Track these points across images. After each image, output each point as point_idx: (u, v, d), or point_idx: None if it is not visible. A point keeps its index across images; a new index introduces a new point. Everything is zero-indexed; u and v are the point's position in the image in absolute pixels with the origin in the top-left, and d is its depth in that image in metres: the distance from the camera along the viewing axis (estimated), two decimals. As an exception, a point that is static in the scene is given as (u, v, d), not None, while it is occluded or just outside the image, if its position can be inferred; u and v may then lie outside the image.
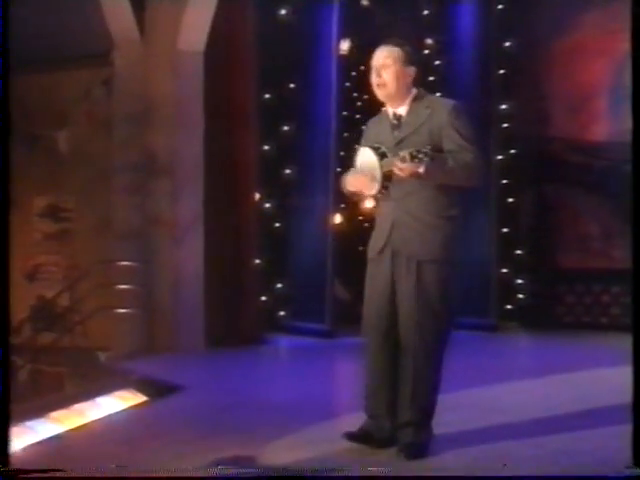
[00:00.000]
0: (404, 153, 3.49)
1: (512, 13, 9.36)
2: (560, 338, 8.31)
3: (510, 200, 9.47)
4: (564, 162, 9.27)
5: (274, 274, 8.71)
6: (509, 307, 9.33)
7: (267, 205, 8.75)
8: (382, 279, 3.77)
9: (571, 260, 9.21)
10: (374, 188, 3.73)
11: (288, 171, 8.90)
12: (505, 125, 9.40)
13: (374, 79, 3.81)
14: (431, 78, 9.84)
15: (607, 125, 8.86)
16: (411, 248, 3.72)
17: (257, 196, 8.38)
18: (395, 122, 3.82)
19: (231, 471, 3.34)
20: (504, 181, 9.38)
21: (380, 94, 3.82)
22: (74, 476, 3.35)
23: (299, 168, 8.86)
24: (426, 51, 9.86)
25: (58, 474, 3.26)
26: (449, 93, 9.46)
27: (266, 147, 8.69)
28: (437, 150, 3.66)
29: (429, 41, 9.73)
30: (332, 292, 8.39)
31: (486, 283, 8.95)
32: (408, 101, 3.81)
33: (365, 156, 3.77)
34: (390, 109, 3.84)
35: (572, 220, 9.20)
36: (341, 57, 8.72)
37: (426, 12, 9.71)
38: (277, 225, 8.84)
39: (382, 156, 3.66)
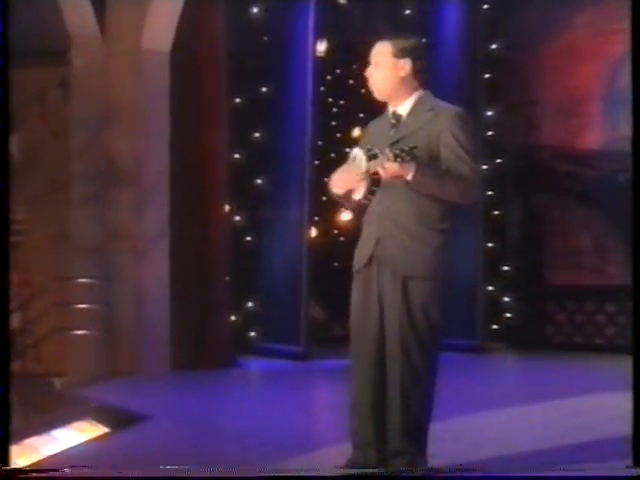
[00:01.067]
0: (388, 151, 3.48)
1: (499, 13, 9.35)
2: (551, 360, 8.27)
3: (496, 213, 9.46)
4: (553, 172, 9.25)
5: (244, 292, 8.62)
6: (495, 327, 9.30)
7: (237, 218, 8.66)
8: (368, 294, 3.74)
9: (561, 276, 9.17)
10: (360, 192, 3.68)
11: (259, 181, 8.82)
12: (490, 133, 9.38)
13: (368, 77, 3.79)
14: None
15: (600, 132, 8.85)
16: (396, 262, 3.68)
17: (227, 208, 8.31)
18: (394, 121, 3.79)
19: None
20: (489, 192, 9.35)
21: (375, 93, 3.80)
22: (74, 476, 3.43)
23: (271, 178, 8.78)
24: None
25: (58, 474, 3.37)
26: None
27: (236, 155, 8.62)
28: (433, 157, 3.62)
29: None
30: (307, 311, 8.30)
31: (471, 301, 8.92)
32: (410, 100, 3.78)
33: (354, 156, 3.73)
34: (390, 107, 3.81)
35: (562, 234, 9.17)
36: (317, 59, 8.63)
37: (408, 11, 9.65)
38: (248, 239, 8.75)
39: (372, 157, 3.59)
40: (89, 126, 7.35)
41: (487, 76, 9.36)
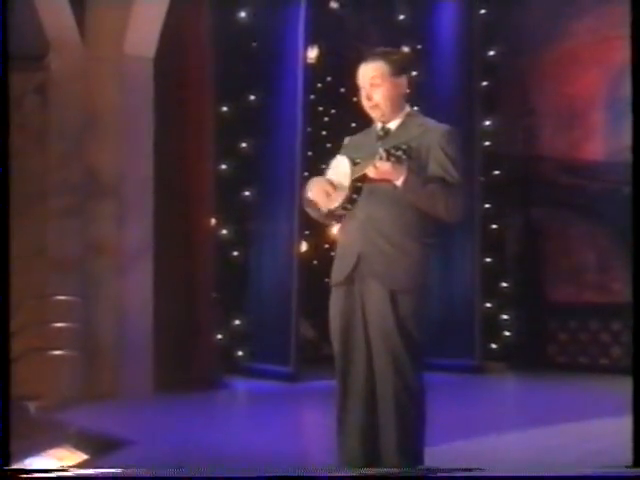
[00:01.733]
0: (382, 150, 3.46)
1: (496, 18, 9.37)
2: (553, 381, 8.21)
3: (494, 226, 9.45)
4: (554, 184, 9.23)
5: (231, 309, 8.57)
6: (494, 346, 9.27)
7: (224, 231, 8.60)
8: (352, 309, 3.71)
9: (563, 293, 9.14)
10: (339, 199, 3.65)
11: (247, 193, 8.79)
12: (488, 143, 9.38)
13: (365, 102, 3.77)
14: (406, 91, 9.82)
15: (602, 143, 8.83)
16: (383, 275, 3.67)
17: (213, 221, 8.26)
18: (382, 134, 3.78)
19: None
20: (487, 205, 9.37)
21: (375, 116, 3.79)
22: (74, 476, 3.53)
23: (259, 190, 8.75)
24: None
25: (59, 474, 3.47)
26: (426, 107, 9.55)
27: (223, 166, 8.58)
28: (421, 172, 3.61)
29: (405, 49, 9.68)
30: (297, 330, 8.24)
31: (468, 319, 8.90)
32: (400, 116, 3.79)
33: (336, 164, 3.72)
34: (379, 123, 3.80)
35: (564, 249, 9.14)
36: (307, 66, 8.60)
37: (402, 17, 9.67)
38: (235, 254, 8.70)
39: (356, 164, 3.60)
40: (68, 135, 7.24)
41: (484, 84, 9.38)
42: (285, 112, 8.50)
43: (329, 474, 3.54)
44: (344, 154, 3.81)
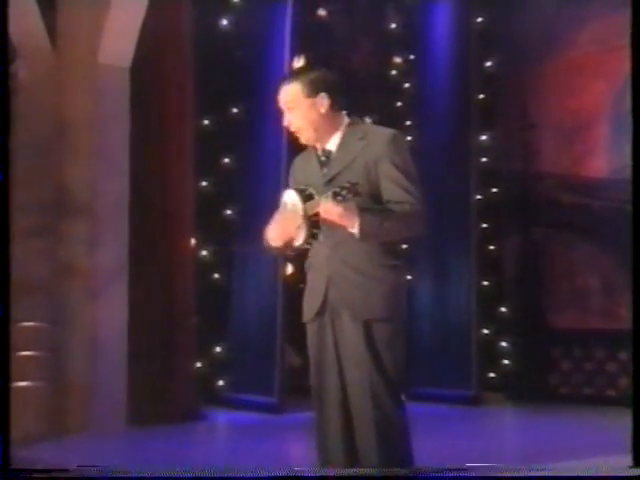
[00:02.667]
0: (328, 192, 3.52)
1: (494, 27, 9.34)
2: (556, 414, 8.15)
3: (491, 247, 9.41)
4: (556, 203, 9.17)
5: (212, 336, 8.49)
6: (492, 375, 9.18)
7: (204, 252, 8.55)
8: (324, 345, 3.79)
9: (566, 319, 9.06)
10: (300, 238, 3.69)
11: (229, 212, 8.72)
12: (485, 159, 9.36)
13: (286, 124, 3.88)
14: (398, 104, 9.84)
15: (607, 159, 8.75)
16: (354, 305, 3.73)
17: (193, 241, 8.21)
18: (324, 159, 3.84)
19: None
20: (484, 225, 9.33)
21: (302, 138, 3.86)
22: (74, 476, 3.71)
23: (243, 208, 8.68)
24: (393, 71, 9.82)
25: (60, 474, 3.65)
26: (419, 121, 9.58)
27: (204, 183, 8.53)
28: (373, 189, 3.68)
29: (397, 59, 9.73)
30: (282, 358, 8.18)
31: (464, 347, 8.83)
32: (339, 134, 3.82)
33: (288, 200, 3.75)
34: (318, 145, 3.85)
35: (566, 271, 9.07)
36: None
37: (393, 25, 9.67)
38: (216, 276, 8.65)
39: (307, 198, 3.63)
40: (36, 148, 7.13)
41: (481, 96, 9.33)
42: (270, 125, 8.38)
43: (328, 474, 3.64)
44: (292, 182, 3.92)
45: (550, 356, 9.10)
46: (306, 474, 3.79)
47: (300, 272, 9.48)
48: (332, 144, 3.83)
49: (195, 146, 8.12)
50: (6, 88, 2.68)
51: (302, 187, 3.72)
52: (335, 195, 3.48)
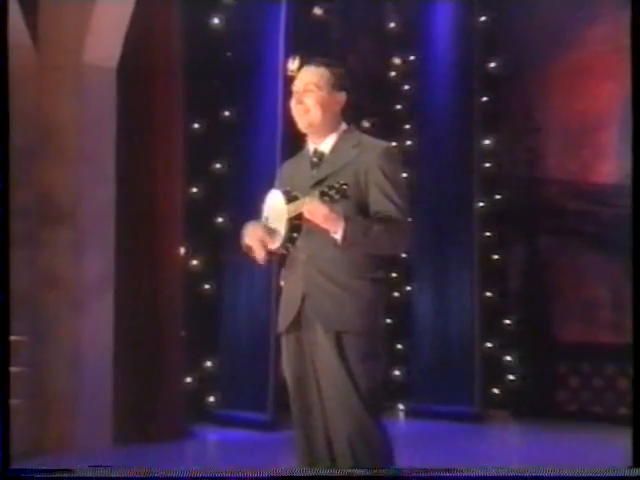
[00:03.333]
0: (315, 191, 3.56)
1: (498, 26, 9.33)
2: (563, 432, 8.13)
3: (495, 257, 9.39)
4: (562, 210, 9.15)
5: (202, 350, 8.47)
6: (496, 391, 9.16)
7: (194, 262, 8.51)
8: (301, 359, 3.84)
9: (574, 332, 9.02)
10: (277, 241, 3.71)
11: (221, 220, 8.68)
12: (488, 164, 9.35)
13: (294, 106, 3.89)
14: (397, 106, 9.84)
15: (616, 164, 8.68)
16: (328, 317, 3.77)
17: (182, 251, 8.19)
18: (315, 160, 3.90)
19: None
20: (487, 234, 9.31)
21: (301, 123, 3.89)
22: (75, 476, 3.81)
23: (235, 216, 8.56)
24: (392, 73, 9.82)
25: (60, 474, 3.79)
26: (419, 124, 9.56)
27: (194, 189, 8.49)
28: (361, 197, 3.74)
29: (396, 60, 9.73)
30: (276, 373, 8.02)
31: (467, 361, 8.80)
32: (334, 136, 3.89)
33: (271, 200, 3.79)
34: (311, 144, 3.90)
35: (574, 282, 9.03)
36: (288, 78, 8.54)
37: (392, 24, 9.67)
38: (206, 287, 8.62)
39: (292, 199, 3.65)
40: (18, 153, 7.08)
41: (484, 99, 9.33)
42: (263, 129, 8.45)
43: (329, 474, 3.72)
44: (279, 185, 3.93)
45: (557, 371, 9.05)
46: (306, 474, 3.77)
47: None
48: (325, 146, 3.89)
49: (185, 150, 8.10)
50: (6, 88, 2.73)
51: (288, 189, 3.74)
52: (322, 195, 3.48)
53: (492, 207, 9.33)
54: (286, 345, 3.90)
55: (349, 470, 3.70)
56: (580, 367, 8.96)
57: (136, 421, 7.44)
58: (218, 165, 8.70)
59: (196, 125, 8.57)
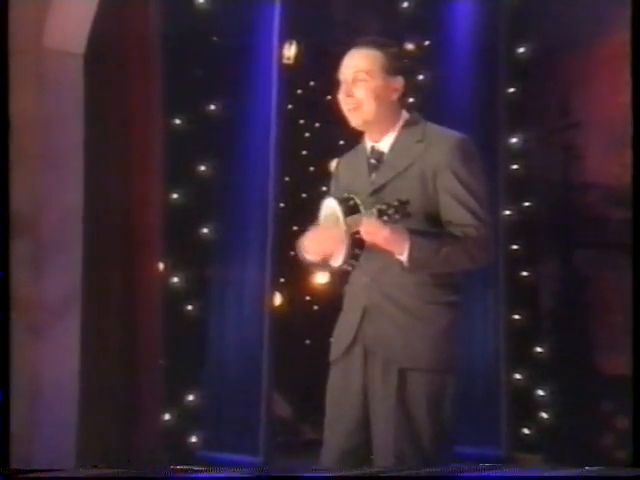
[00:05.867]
0: (373, 208, 3.52)
1: (529, 4, 9.21)
2: (609, 482, 8.01)
3: (524, 274, 9.31)
4: (603, 219, 9.05)
5: (184, 381, 8.41)
6: (526, 432, 9.07)
7: (175, 279, 8.47)
8: (350, 391, 3.85)
9: (619, 362, 8.87)
10: (339, 257, 3.71)
11: (205, 230, 8.65)
12: (516, 166, 9.30)
13: (343, 99, 3.87)
14: (410, 99, 9.73)
15: (666, 166, 8.70)
16: (389, 348, 3.77)
17: (161, 266, 8.21)
18: (374, 162, 3.88)
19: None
20: (515, 247, 9.24)
21: (354, 120, 3.87)
22: (75, 476, 4.10)
23: (221, 226, 8.66)
24: (404, 60, 9.76)
25: (60, 474, 4.08)
26: (436, 120, 9.45)
27: (174, 195, 8.46)
28: (429, 205, 3.68)
29: (409, 46, 9.64)
30: (268, 408, 8.18)
31: (492, 396, 8.81)
32: (394, 131, 3.86)
33: (328, 210, 3.77)
34: (368, 142, 3.87)
35: (616, 302, 8.88)
36: (284, 67, 8.67)
37: (405, 4, 9.59)
38: (189, 308, 8.54)
39: (351, 210, 3.63)
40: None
41: (511, 90, 9.30)
42: (255, 126, 8.49)
43: (329, 474, 3.87)
44: (335, 189, 3.93)
45: (600, 408, 8.91)
46: (306, 474, 3.94)
47: (292, 303, 9.62)
48: (385, 144, 3.86)
49: (164, 150, 8.10)
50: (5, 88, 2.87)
51: (345, 195, 3.70)
52: (381, 213, 3.45)
53: (520, 216, 9.27)
54: (334, 374, 3.93)
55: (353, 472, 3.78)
56: (627, 403, 8.88)
57: (106, 463, 7.21)
58: (202, 167, 8.65)
59: (177, 121, 8.52)
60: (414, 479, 3.79)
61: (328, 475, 3.88)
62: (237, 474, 4.57)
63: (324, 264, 3.85)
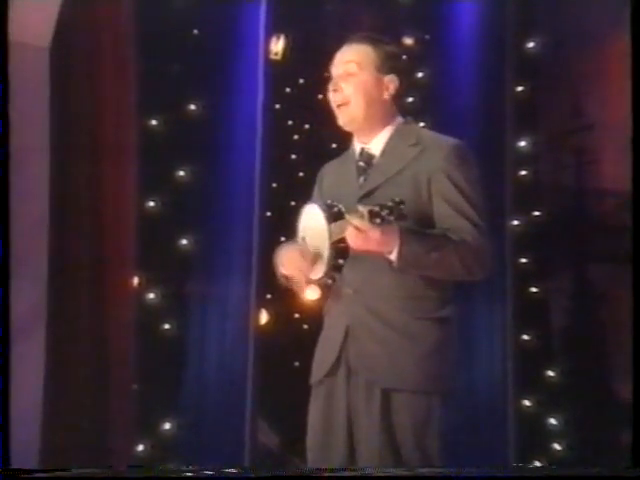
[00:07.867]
0: (363, 209, 3.49)
1: (538, -2, 9.29)
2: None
3: (533, 290, 9.29)
4: (620, 229, 8.81)
5: (160, 407, 8.31)
6: (538, 464, 8.93)
7: (151, 295, 8.40)
8: (334, 414, 3.90)
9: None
10: (319, 269, 3.70)
11: (184, 241, 8.59)
12: (524, 172, 9.27)
13: (332, 96, 3.92)
14: (409, 99, 9.72)
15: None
16: (372, 368, 3.79)
17: (135, 281, 8.16)
18: (363, 164, 3.91)
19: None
20: (523, 260, 9.22)
21: (341, 117, 3.91)
22: (75, 476, 4.28)
23: (202, 237, 8.60)
24: (403, 56, 9.74)
25: (59, 474, 4.30)
26: (436, 121, 9.44)
27: (150, 203, 8.41)
28: (423, 212, 3.69)
29: (408, 41, 9.65)
30: (253, 436, 8.18)
31: (499, 424, 8.78)
32: (385, 133, 3.89)
33: (310, 218, 3.75)
34: (357, 144, 3.90)
35: (636, 321, 8.92)
36: (271, 63, 8.70)
37: (404, -4, 9.60)
38: (166, 327, 8.46)
39: (335, 217, 3.61)
40: None
41: (519, 89, 9.28)
42: (239, 128, 8.51)
43: (329, 474, 3.96)
44: (318, 195, 3.96)
45: (619, 438, 8.66)
46: (306, 474, 4.08)
47: (278, 321, 9.58)
48: (375, 146, 3.87)
49: (139, 154, 8.06)
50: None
51: (330, 202, 3.68)
52: (373, 215, 3.39)
53: (529, 226, 9.24)
54: (317, 397, 3.97)
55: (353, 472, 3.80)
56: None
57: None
58: (181, 172, 8.59)
59: (153, 122, 8.48)
60: (416, 479, 3.87)
61: (329, 475, 3.94)
62: (232, 474, 4.65)
63: (304, 279, 3.84)
